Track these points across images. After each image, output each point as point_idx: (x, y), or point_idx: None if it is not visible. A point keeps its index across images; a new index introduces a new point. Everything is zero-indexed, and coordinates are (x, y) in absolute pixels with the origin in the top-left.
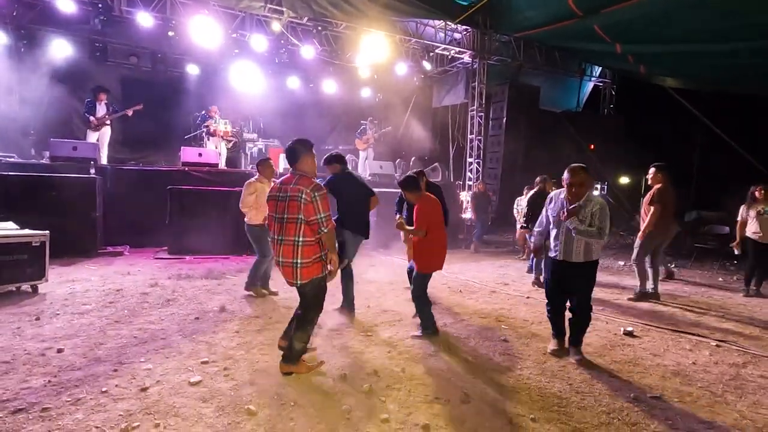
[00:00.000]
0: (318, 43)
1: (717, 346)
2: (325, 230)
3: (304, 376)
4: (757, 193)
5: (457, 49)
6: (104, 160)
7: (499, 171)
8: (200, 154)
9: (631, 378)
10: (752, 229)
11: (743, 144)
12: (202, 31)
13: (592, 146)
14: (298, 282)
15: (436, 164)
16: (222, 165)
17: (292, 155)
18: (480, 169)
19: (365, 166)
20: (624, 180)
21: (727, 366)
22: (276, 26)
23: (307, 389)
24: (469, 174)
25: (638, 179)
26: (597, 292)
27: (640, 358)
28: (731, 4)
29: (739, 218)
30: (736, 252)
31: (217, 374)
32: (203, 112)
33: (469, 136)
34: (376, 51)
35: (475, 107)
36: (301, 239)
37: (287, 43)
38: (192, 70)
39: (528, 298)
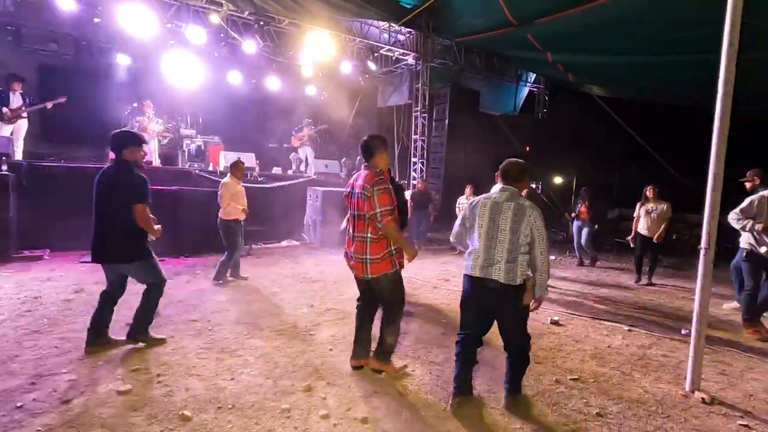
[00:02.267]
0: (260, 38)
1: (629, 330)
2: (380, 225)
3: (241, 380)
4: (648, 192)
5: (401, 50)
6: (19, 156)
7: (442, 171)
8: None
9: (555, 363)
10: (642, 224)
11: (661, 148)
12: (133, 20)
13: (528, 147)
14: (368, 276)
15: None
16: (156, 162)
17: (368, 152)
18: (424, 169)
19: (309, 164)
20: (558, 180)
21: (636, 348)
22: (215, 18)
23: (245, 391)
24: (413, 173)
25: (569, 179)
26: None
27: (563, 345)
28: (647, 20)
29: (635, 214)
30: (631, 245)
31: (149, 381)
32: (134, 106)
33: (413, 137)
34: (320, 49)
35: (418, 108)
36: (369, 235)
37: (227, 36)
38: (122, 60)
39: None
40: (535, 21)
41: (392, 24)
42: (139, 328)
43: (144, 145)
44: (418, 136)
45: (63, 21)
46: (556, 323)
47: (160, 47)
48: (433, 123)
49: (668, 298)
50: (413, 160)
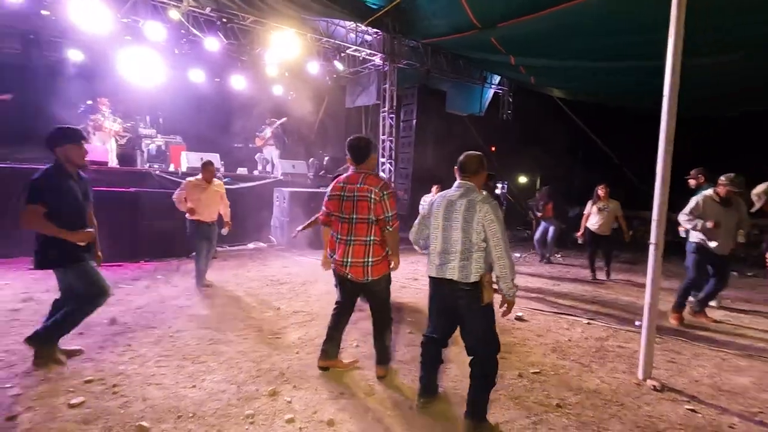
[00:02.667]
0: (223, 36)
1: (588, 323)
2: (390, 229)
3: (203, 387)
4: (600, 192)
5: (368, 51)
6: None
7: (411, 171)
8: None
9: (518, 357)
10: (593, 222)
11: (619, 149)
12: (85, 13)
13: (493, 148)
14: (368, 278)
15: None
16: (113, 162)
17: (363, 153)
18: (392, 169)
19: (276, 164)
20: (522, 179)
21: (594, 340)
22: (174, 14)
23: (207, 398)
24: (382, 174)
25: (533, 179)
26: None
27: (526, 339)
28: (603, 26)
29: (585, 212)
30: (579, 241)
31: (103, 393)
32: (89, 103)
33: (381, 137)
34: (286, 48)
35: (386, 109)
36: (372, 238)
37: (188, 33)
38: (74, 56)
39: None
40: (497, 25)
41: (358, 24)
42: (48, 335)
43: (83, 141)
44: (386, 137)
45: (7, 13)
46: (520, 319)
47: (115, 43)
48: (401, 123)
49: (624, 292)
50: (381, 160)
